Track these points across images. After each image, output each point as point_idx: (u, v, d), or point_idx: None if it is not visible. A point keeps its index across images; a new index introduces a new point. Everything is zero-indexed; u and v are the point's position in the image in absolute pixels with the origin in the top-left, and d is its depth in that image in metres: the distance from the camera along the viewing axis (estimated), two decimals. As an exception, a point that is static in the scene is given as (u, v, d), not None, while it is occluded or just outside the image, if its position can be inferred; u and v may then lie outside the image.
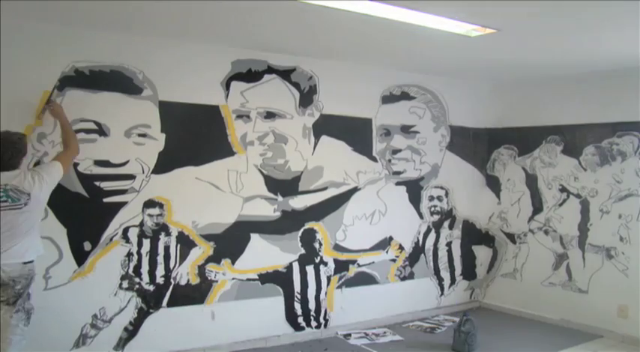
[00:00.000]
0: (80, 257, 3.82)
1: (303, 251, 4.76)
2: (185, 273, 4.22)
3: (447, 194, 5.69)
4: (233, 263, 4.42)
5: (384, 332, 4.99)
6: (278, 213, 4.62)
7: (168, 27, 3.77)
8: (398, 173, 5.32)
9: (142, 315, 4.05)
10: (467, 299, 5.90)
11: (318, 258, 4.85)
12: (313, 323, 4.83)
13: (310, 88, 4.75)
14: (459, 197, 5.77)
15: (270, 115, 4.54)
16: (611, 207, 4.93)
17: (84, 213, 3.82)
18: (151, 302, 4.09)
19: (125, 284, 3.98)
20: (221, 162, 4.34)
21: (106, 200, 3.90)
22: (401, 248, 5.37)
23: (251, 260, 4.50)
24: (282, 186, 4.63)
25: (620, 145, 4.88)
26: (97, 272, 3.87)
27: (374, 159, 5.15)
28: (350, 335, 4.88)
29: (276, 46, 4.30)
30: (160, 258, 4.12)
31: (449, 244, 5.73)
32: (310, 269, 4.81)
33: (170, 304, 4.16)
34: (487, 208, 5.95)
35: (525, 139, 5.63)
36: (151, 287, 4.09)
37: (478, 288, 5.98)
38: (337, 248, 4.94)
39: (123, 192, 3.96)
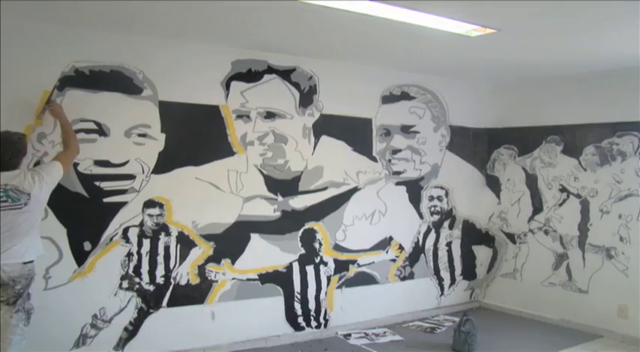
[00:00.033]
0: (80, 257, 3.82)
1: (303, 251, 4.76)
2: (185, 273, 4.22)
3: (447, 194, 5.69)
4: (233, 263, 4.42)
5: (384, 332, 4.99)
6: (278, 213, 4.62)
7: (168, 27, 3.77)
8: (398, 173, 5.32)
9: (142, 315, 4.05)
10: (467, 299, 5.90)
11: (318, 258, 4.85)
12: (313, 323, 4.83)
13: (310, 88, 4.75)
14: (459, 197, 5.77)
15: (270, 115, 4.54)
16: (611, 207, 4.93)
17: (84, 213, 3.82)
18: (151, 302, 4.09)
19: (125, 284, 3.99)
20: (221, 162, 4.34)
21: (106, 200, 3.90)
22: (401, 248, 5.37)
23: (251, 260, 4.50)
24: (282, 186, 4.63)
25: (620, 145, 4.88)
26: (97, 272, 3.87)
27: (374, 159, 5.15)
28: (350, 335, 4.88)
29: (276, 46, 4.30)
30: (160, 258, 4.12)
31: (449, 244, 5.73)
32: (310, 269, 4.81)
33: (170, 304, 4.16)
34: (487, 208, 5.95)
35: (525, 139, 5.63)
36: (151, 287, 4.09)
37: (478, 288, 5.98)
38: (337, 248, 4.95)
39: (123, 192, 3.96)
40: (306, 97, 4.73)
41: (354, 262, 5.05)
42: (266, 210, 4.56)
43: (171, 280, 4.17)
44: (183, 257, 4.21)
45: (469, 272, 5.91)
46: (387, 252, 5.28)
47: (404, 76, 5.29)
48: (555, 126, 5.36)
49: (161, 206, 4.10)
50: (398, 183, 5.33)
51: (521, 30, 3.65)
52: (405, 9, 3.15)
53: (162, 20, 3.58)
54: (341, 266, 4.97)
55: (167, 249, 4.14)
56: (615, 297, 4.88)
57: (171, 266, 4.16)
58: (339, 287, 4.98)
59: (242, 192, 4.44)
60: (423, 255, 5.53)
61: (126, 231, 3.98)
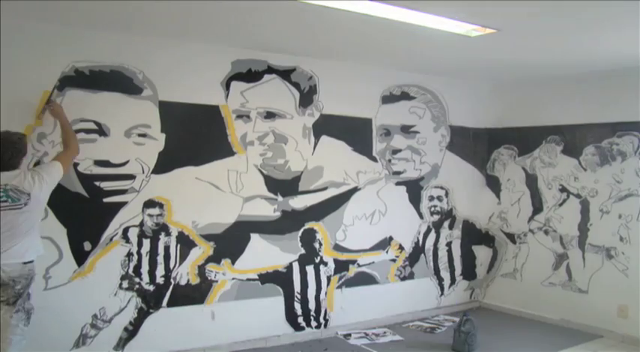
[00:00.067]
0: (80, 257, 3.82)
1: (303, 251, 4.76)
2: (185, 273, 4.22)
3: (447, 194, 5.69)
4: (233, 263, 4.42)
5: (384, 332, 4.99)
6: (278, 213, 4.62)
7: (168, 27, 3.77)
8: (398, 173, 5.32)
9: (142, 315, 4.05)
10: (467, 299, 5.90)
11: (318, 258, 4.85)
12: (313, 323, 4.83)
13: (310, 88, 4.75)
14: (459, 197, 5.77)
15: (270, 115, 4.54)
16: (611, 207, 4.93)
17: (84, 213, 3.82)
18: (151, 302, 4.09)
19: (125, 284, 3.98)
20: (221, 162, 4.34)
21: (106, 200, 3.90)
22: (401, 248, 5.37)
23: (251, 260, 4.50)
24: (282, 186, 4.63)
25: (620, 145, 4.88)
26: (97, 272, 3.87)
27: (374, 159, 5.15)
28: (350, 335, 4.88)
29: (276, 46, 4.30)
30: (160, 258, 4.12)
31: (449, 244, 5.73)
32: (310, 269, 4.81)
33: (170, 304, 4.16)
34: (487, 208, 5.95)
35: (525, 139, 5.63)
36: (151, 287, 4.09)
37: (478, 288, 5.98)
38: (337, 248, 4.95)
39: (123, 192, 3.96)
40: (306, 97, 4.73)
41: (354, 262, 5.05)
42: (266, 210, 4.55)
43: (171, 280, 4.17)
44: (183, 257, 4.21)
45: (469, 272, 5.91)
46: (387, 252, 5.28)
47: (404, 76, 5.29)
48: (555, 126, 5.36)
49: (161, 206, 4.10)
50: (398, 183, 5.33)
51: (521, 30, 3.65)
52: (405, 9, 3.15)
53: (162, 20, 3.58)
54: (341, 266, 4.97)
55: (167, 249, 4.14)
56: (615, 297, 4.88)
57: (171, 266, 4.16)
58: (339, 287, 4.98)
59: (242, 192, 4.44)
60: (423, 255, 5.53)
61: (126, 231, 3.98)
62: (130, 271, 4.00)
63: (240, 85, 4.40)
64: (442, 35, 3.70)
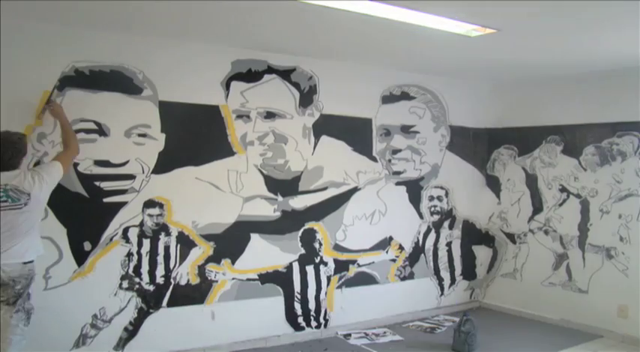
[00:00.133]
0: (80, 257, 3.82)
1: (303, 251, 4.76)
2: (185, 273, 4.22)
3: (447, 194, 5.69)
4: (233, 263, 4.42)
5: (384, 332, 4.99)
6: (278, 213, 4.62)
7: (168, 27, 3.77)
8: (398, 173, 5.32)
9: (142, 315, 4.05)
10: (467, 299, 5.90)
11: (318, 258, 4.85)
12: (313, 323, 4.83)
13: (310, 88, 4.75)
14: (459, 197, 5.77)
15: (270, 115, 4.54)
16: (611, 207, 4.93)
17: (84, 213, 3.82)
18: (151, 302, 4.09)
19: (125, 284, 3.98)
20: (221, 162, 4.34)
21: (106, 200, 3.90)
22: (401, 248, 5.37)
23: (251, 260, 4.49)
24: (282, 186, 4.63)
25: (620, 145, 4.88)
26: (97, 272, 3.87)
27: (374, 159, 5.15)
28: (350, 335, 4.88)
29: (276, 46, 4.30)
30: (160, 258, 4.12)
31: (449, 244, 5.73)
32: (310, 269, 4.81)
33: (170, 304, 4.16)
34: (487, 208, 5.95)
35: (525, 139, 5.63)
36: (151, 287, 4.09)
37: (478, 288, 5.98)
38: (337, 248, 4.94)
39: (123, 192, 3.96)
40: (306, 97, 4.73)
41: (354, 262, 5.05)
42: (266, 210, 4.55)
43: (171, 280, 4.17)
44: (183, 257, 4.21)
45: (469, 272, 5.91)
46: (387, 252, 5.28)
47: (404, 76, 5.29)
48: (555, 126, 5.36)
49: (161, 206, 4.10)
50: (398, 183, 5.33)
51: (521, 30, 3.65)
52: (405, 9, 3.15)
53: (162, 20, 3.58)
54: (341, 266, 4.97)
55: (167, 249, 4.14)
56: (615, 297, 4.88)
57: (171, 266, 4.16)
58: (339, 287, 4.98)
59: (242, 192, 4.44)
60: (423, 254, 5.53)
61: (126, 231, 3.98)
62: (130, 271, 4.00)
63: (240, 84, 4.40)
64: (442, 35, 3.70)
